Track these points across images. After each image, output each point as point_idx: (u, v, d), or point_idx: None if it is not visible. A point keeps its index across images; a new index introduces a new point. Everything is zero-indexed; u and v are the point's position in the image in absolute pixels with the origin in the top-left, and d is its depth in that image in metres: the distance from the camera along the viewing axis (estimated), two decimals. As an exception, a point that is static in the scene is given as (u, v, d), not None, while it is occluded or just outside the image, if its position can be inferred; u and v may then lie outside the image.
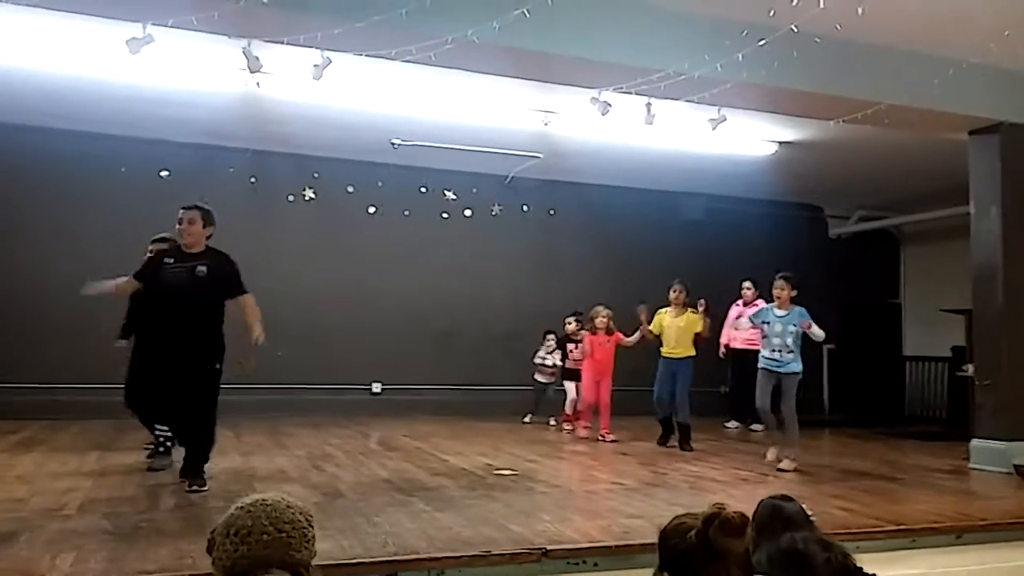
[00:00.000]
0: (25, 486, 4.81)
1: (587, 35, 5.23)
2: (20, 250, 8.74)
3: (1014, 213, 6.41)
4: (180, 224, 4.94)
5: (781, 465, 6.15)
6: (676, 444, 7.41)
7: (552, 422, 9.13)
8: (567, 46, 5.22)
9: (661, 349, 7.64)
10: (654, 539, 3.88)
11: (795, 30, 4.33)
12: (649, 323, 7.72)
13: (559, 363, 9.14)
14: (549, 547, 3.60)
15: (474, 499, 4.71)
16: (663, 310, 7.66)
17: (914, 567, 4.12)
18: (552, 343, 9.21)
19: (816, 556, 2.47)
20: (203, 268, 4.88)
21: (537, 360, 9.32)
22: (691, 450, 7.16)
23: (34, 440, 6.81)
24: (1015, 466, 6.01)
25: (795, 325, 6.35)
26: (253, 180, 9.52)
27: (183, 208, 5.02)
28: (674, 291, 7.60)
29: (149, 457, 5.61)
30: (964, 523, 4.41)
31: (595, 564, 3.65)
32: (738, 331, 9.31)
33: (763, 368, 6.42)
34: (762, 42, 4.48)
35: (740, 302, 9.43)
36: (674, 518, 2.01)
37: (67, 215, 8.90)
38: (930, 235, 12.08)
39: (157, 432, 5.58)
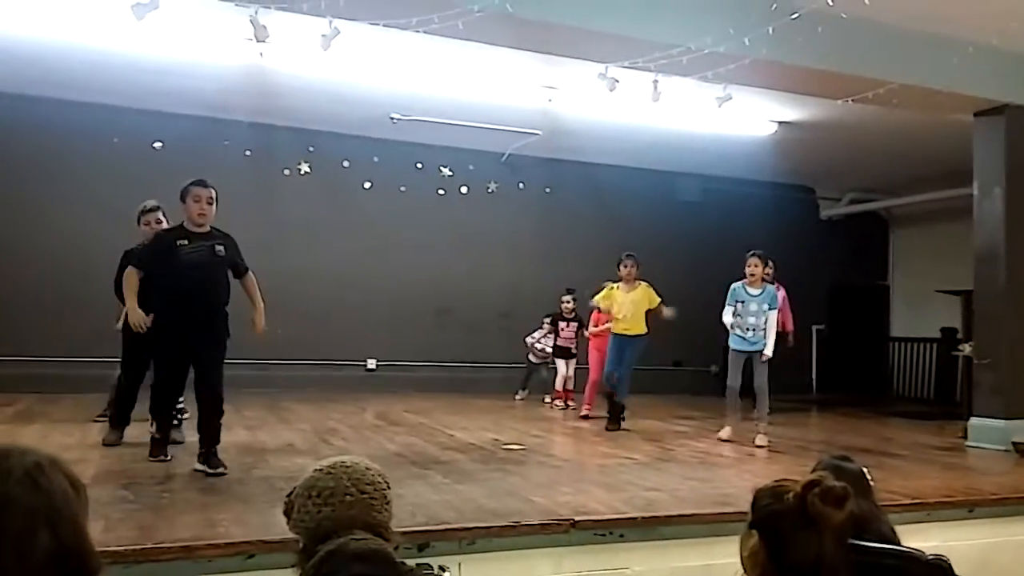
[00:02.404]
0: (34, 458, 4.73)
1: (598, 5, 5.17)
2: (6, 221, 8.56)
3: (1017, 194, 6.48)
4: (198, 202, 4.62)
5: (757, 441, 6.20)
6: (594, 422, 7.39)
7: (546, 399, 9.14)
8: (575, 17, 5.16)
9: (611, 325, 7.38)
10: (677, 511, 3.97)
11: (831, 3, 4.32)
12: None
13: (549, 348, 9.16)
14: (577, 518, 3.61)
15: (490, 472, 4.72)
16: (613, 285, 7.38)
17: (930, 539, 4.16)
18: (548, 326, 9.20)
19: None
20: (221, 247, 4.68)
21: (530, 341, 9.32)
22: (618, 429, 6.95)
23: (32, 412, 6.70)
24: (1014, 443, 6.11)
25: (768, 304, 6.43)
26: (248, 153, 9.39)
27: (200, 185, 4.67)
28: (625, 266, 7.30)
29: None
30: (976, 498, 4.48)
31: (621, 535, 3.67)
32: None
33: (735, 348, 6.45)
34: (795, 15, 4.47)
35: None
36: (773, 481, 1.96)
37: (56, 187, 8.74)
38: (918, 218, 12.21)
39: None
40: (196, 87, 7.94)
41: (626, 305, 7.24)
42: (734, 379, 6.50)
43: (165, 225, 5.46)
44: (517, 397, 9.34)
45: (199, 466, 4.50)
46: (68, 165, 8.73)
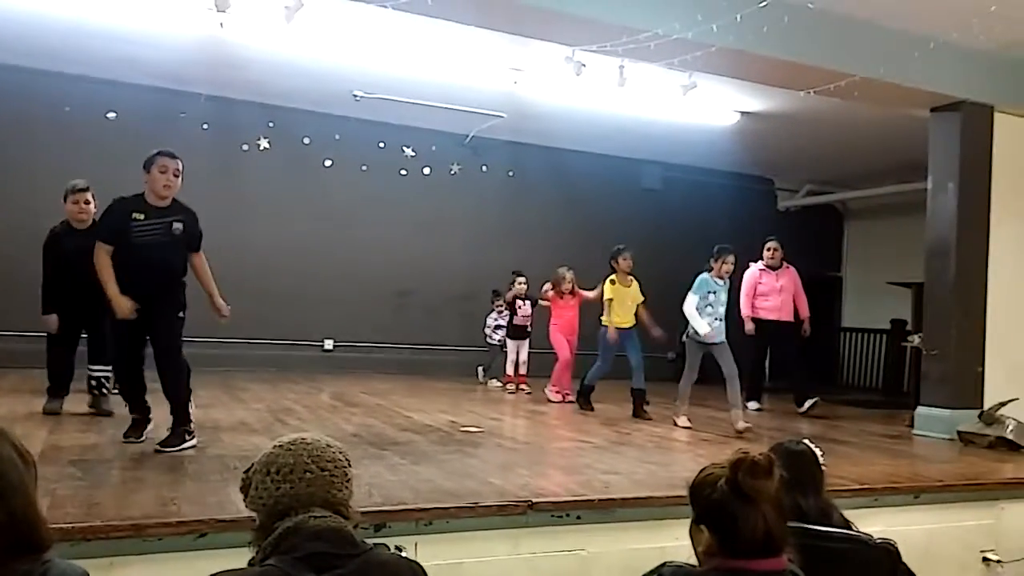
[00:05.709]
0: (-23, 432, 4.59)
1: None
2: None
3: (969, 190, 6.62)
4: (163, 172, 4.40)
5: (739, 426, 6.26)
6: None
7: (496, 383, 9.12)
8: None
9: (613, 319, 7.35)
10: (633, 494, 4.00)
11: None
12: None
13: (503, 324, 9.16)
14: (534, 500, 3.62)
15: (448, 454, 4.70)
16: (614, 277, 7.43)
17: (875, 525, 4.26)
18: (503, 306, 9.19)
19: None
20: (179, 225, 4.48)
21: (488, 327, 9.34)
22: (650, 417, 7.09)
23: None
24: (959, 432, 6.28)
25: (726, 294, 6.62)
26: (206, 127, 9.17)
27: (167, 155, 4.44)
28: (625, 259, 7.38)
29: (91, 406, 5.62)
30: (922, 484, 4.60)
31: (578, 517, 3.68)
32: (766, 299, 8.40)
33: (700, 341, 6.46)
34: (763, 3, 4.48)
35: (759, 265, 8.53)
36: (700, 471, 2.01)
37: (3, 155, 8.45)
38: (872, 211, 12.45)
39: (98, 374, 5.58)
40: (153, 56, 7.71)
41: (629, 299, 7.42)
42: (695, 370, 6.56)
43: (93, 208, 5.35)
44: (481, 379, 9.36)
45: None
46: (17, 133, 8.45)
